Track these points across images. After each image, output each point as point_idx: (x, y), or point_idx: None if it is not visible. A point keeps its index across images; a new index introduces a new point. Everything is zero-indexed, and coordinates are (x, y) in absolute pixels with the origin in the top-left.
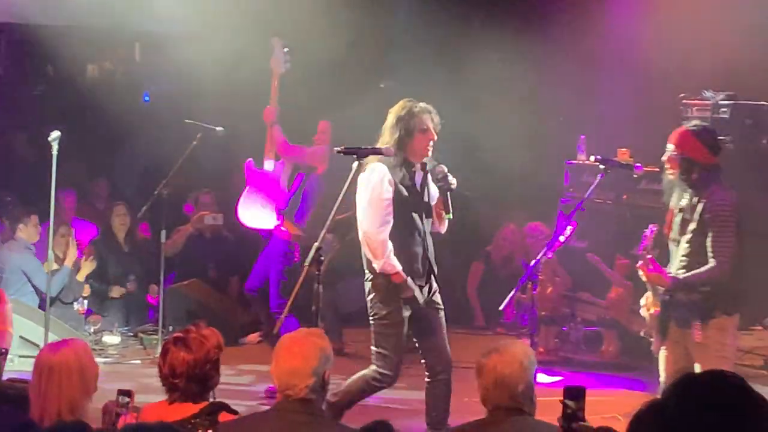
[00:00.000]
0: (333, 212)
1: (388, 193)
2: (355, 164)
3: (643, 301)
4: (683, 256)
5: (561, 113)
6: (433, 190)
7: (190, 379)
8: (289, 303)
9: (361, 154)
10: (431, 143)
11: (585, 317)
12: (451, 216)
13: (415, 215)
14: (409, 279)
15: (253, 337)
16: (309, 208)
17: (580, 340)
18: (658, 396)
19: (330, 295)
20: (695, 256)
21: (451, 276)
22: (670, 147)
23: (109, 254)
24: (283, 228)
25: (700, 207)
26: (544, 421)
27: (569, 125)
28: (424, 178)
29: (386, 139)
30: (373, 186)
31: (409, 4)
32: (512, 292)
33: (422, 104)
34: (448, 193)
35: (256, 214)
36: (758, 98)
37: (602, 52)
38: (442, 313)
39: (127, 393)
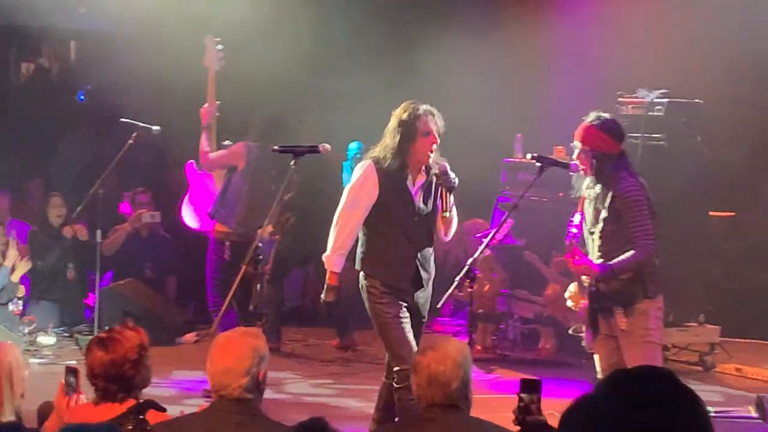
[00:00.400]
0: (272, 210)
1: (365, 193)
2: (292, 162)
3: (567, 293)
4: (599, 245)
5: (499, 111)
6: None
7: (108, 379)
8: (226, 302)
9: (297, 152)
10: (434, 146)
11: (522, 315)
12: (447, 214)
13: (405, 219)
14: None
15: (190, 336)
16: (236, 206)
17: (517, 337)
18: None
19: (275, 290)
20: (610, 245)
21: None
22: (578, 145)
23: (49, 245)
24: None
25: (610, 196)
26: (479, 418)
27: (506, 124)
28: (427, 182)
29: (387, 141)
30: (353, 185)
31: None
32: (450, 290)
33: (425, 106)
34: (446, 190)
35: (198, 216)
36: (693, 96)
37: (540, 50)
38: (422, 326)
39: (74, 372)
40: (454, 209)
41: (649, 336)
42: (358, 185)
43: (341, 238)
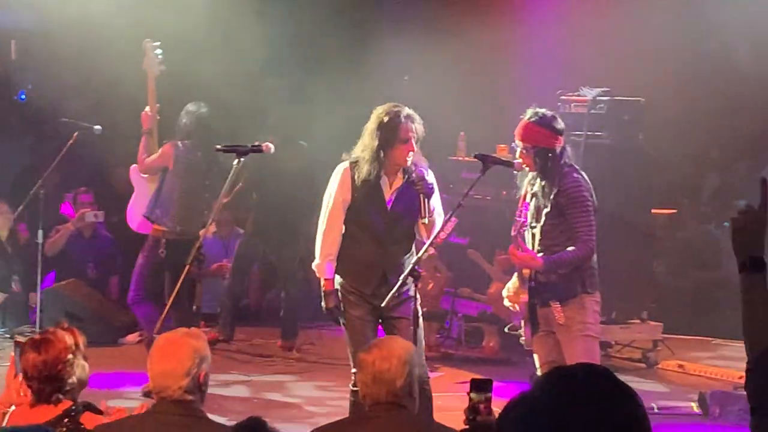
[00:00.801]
0: (214, 211)
1: (339, 196)
2: (235, 161)
3: (505, 292)
4: (540, 240)
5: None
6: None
7: (42, 381)
8: (169, 301)
9: (240, 151)
10: (410, 154)
11: (466, 313)
12: (426, 221)
13: (376, 222)
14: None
15: (133, 337)
16: (171, 206)
17: (461, 336)
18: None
19: (235, 284)
20: (551, 240)
21: None
22: (519, 144)
23: None
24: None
25: (554, 191)
26: (424, 416)
27: (450, 122)
28: (403, 186)
29: (366, 141)
30: (330, 189)
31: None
32: (394, 289)
33: (407, 111)
34: (423, 196)
35: (141, 218)
36: (635, 94)
37: (483, 49)
38: (402, 324)
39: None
40: (437, 214)
41: (587, 330)
42: (334, 189)
43: (327, 244)
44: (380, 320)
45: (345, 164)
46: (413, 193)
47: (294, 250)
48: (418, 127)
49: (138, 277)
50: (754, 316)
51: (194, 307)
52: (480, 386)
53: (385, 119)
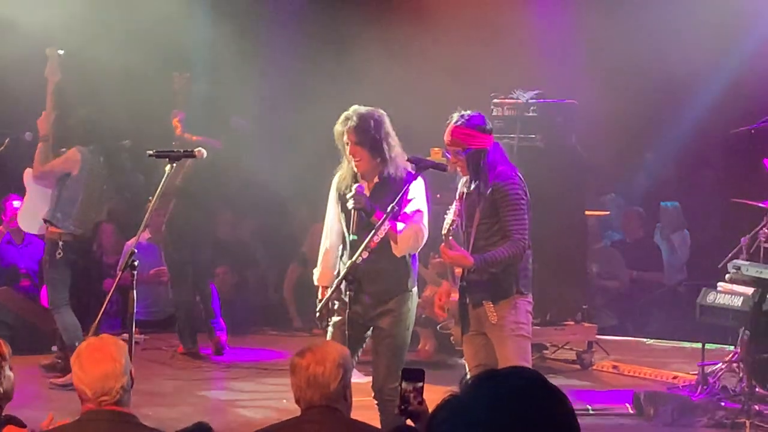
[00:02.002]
0: (146, 216)
1: (330, 205)
2: (168, 167)
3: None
4: (474, 240)
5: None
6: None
7: None
8: (102, 309)
9: (173, 157)
10: (352, 157)
11: None
12: (353, 237)
13: (344, 225)
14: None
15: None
16: (72, 209)
17: None
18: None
19: (182, 293)
20: (486, 240)
21: (267, 277)
22: (450, 148)
23: None
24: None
25: (488, 190)
26: (359, 420)
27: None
28: (373, 191)
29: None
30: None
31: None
32: (328, 294)
33: (347, 114)
34: (354, 211)
35: (35, 220)
36: (568, 97)
37: (414, 53)
38: (368, 333)
39: None
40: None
41: (519, 330)
42: (329, 199)
43: (320, 252)
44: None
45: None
46: (385, 199)
47: (207, 254)
48: (357, 132)
49: (51, 284)
50: None
51: (129, 312)
52: (411, 376)
53: (336, 125)
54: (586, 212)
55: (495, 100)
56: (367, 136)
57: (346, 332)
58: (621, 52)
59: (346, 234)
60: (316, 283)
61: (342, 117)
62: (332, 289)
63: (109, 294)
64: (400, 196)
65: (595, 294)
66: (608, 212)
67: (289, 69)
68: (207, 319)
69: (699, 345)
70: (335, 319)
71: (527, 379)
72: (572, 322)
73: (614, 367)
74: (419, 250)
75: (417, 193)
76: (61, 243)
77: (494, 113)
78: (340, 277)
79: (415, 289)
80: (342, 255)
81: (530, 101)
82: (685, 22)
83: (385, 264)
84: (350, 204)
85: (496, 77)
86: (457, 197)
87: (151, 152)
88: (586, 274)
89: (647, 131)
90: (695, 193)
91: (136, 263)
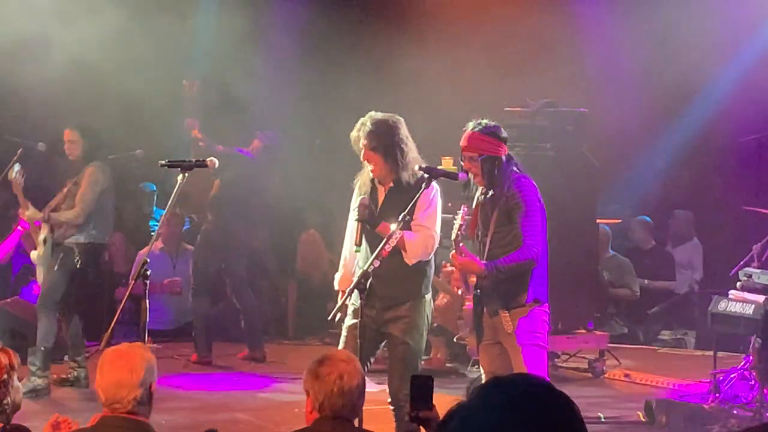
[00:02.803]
0: (159, 225)
1: (353, 206)
2: (180, 176)
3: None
4: (489, 248)
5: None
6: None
7: None
8: (115, 318)
9: (185, 167)
10: (367, 162)
11: None
12: (358, 249)
13: (368, 233)
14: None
15: None
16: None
17: None
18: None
19: (201, 303)
20: (502, 248)
21: (278, 287)
22: (465, 154)
23: None
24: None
25: (502, 198)
26: (367, 429)
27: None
28: (387, 196)
29: None
30: None
31: None
32: (340, 302)
33: (361, 120)
34: (361, 222)
35: None
36: (579, 105)
37: (426, 61)
38: (382, 342)
39: None
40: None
41: (535, 339)
42: (352, 204)
43: (342, 256)
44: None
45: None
46: (399, 204)
47: (241, 263)
48: (370, 137)
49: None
50: None
51: (141, 323)
52: (421, 382)
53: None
54: (598, 220)
55: (506, 109)
56: (381, 141)
57: (358, 339)
58: (631, 59)
59: (369, 236)
60: (336, 287)
61: (358, 123)
62: (345, 295)
63: (122, 303)
64: (411, 204)
65: (607, 303)
66: (619, 220)
67: (296, 75)
68: (251, 330)
69: (711, 353)
70: (349, 322)
71: (534, 385)
72: (584, 331)
73: (626, 375)
74: (431, 256)
75: (429, 200)
76: (78, 251)
77: (505, 122)
78: (352, 285)
79: (429, 295)
80: (355, 259)
81: (541, 110)
82: (694, 29)
83: (397, 269)
84: (354, 216)
85: (508, 86)
86: (473, 206)
87: (163, 162)
88: (598, 283)
89: (658, 139)
90: (707, 201)
91: (148, 273)
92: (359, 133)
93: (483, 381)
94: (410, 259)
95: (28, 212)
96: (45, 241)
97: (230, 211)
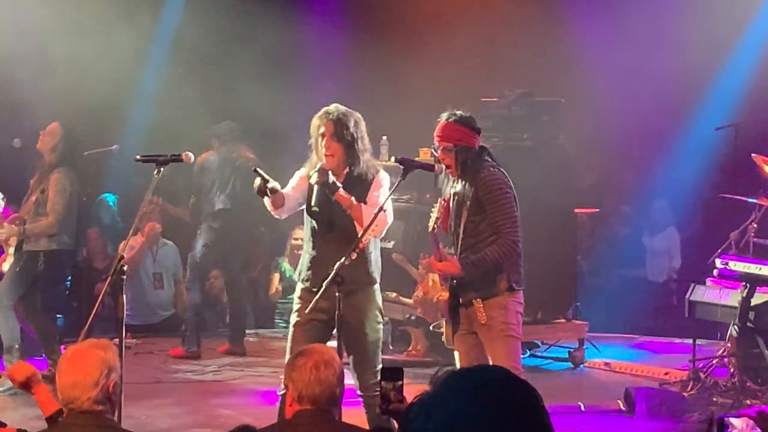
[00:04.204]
0: (137, 220)
1: (295, 176)
2: (155, 171)
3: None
4: (463, 239)
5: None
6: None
7: None
8: (92, 313)
9: (160, 161)
10: (324, 149)
11: (392, 317)
12: (315, 208)
13: (320, 221)
14: (299, 286)
15: None
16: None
17: (388, 339)
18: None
19: (194, 296)
20: (475, 237)
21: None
22: (439, 144)
23: None
24: None
25: (474, 188)
26: (348, 423)
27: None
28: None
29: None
30: None
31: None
32: (317, 295)
33: (331, 108)
34: (319, 186)
35: None
36: (554, 95)
37: (403, 52)
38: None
39: None
40: (364, 206)
41: (509, 330)
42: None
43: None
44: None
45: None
46: (354, 192)
47: (239, 257)
48: (337, 126)
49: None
50: None
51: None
52: (391, 375)
53: (315, 116)
54: (576, 210)
55: (483, 99)
56: (346, 131)
57: (337, 332)
58: (608, 46)
59: (314, 226)
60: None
61: (322, 111)
62: (321, 291)
63: (99, 299)
64: (387, 196)
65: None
66: (597, 210)
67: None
68: (236, 324)
69: (690, 341)
70: (295, 319)
71: (495, 374)
72: (563, 320)
73: (606, 364)
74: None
75: (380, 183)
76: (43, 257)
77: (482, 113)
78: (328, 279)
79: (378, 284)
80: (307, 248)
81: (517, 100)
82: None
83: (354, 256)
84: (313, 179)
85: (485, 78)
86: (444, 198)
87: (138, 157)
88: (577, 272)
89: (636, 127)
90: (683, 190)
91: (125, 268)
92: (321, 121)
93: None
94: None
95: (4, 231)
96: (15, 251)
97: (233, 215)
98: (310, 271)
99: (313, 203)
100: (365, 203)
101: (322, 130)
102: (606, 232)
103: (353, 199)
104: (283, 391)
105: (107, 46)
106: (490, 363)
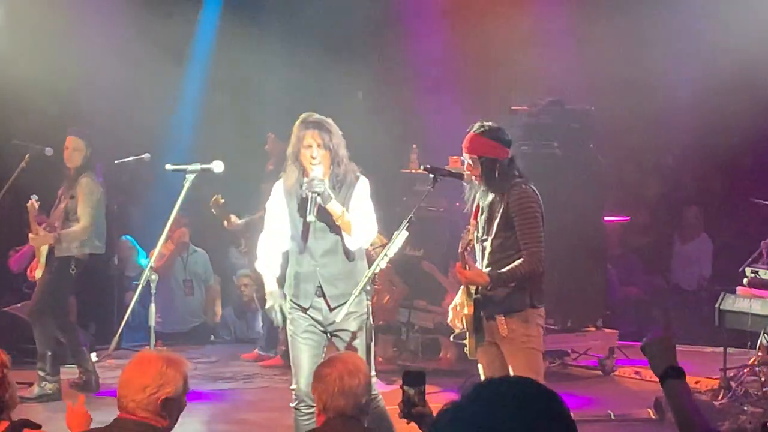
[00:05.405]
0: (167, 229)
1: (271, 204)
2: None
3: (450, 313)
4: (490, 253)
5: (394, 122)
6: (333, 204)
7: None
8: (123, 322)
9: (189, 171)
10: (312, 159)
11: (422, 325)
12: (311, 218)
13: (304, 232)
14: (272, 290)
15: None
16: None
17: (418, 348)
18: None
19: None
20: (502, 252)
21: None
22: (466, 155)
23: None
24: None
25: (503, 204)
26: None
27: (403, 134)
28: (328, 193)
29: (288, 149)
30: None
31: None
32: (348, 303)
33: (315, 117)
34: (313, 195)
35: None
36: (585, 103)
37: (434, 61)
38: (349, 338)
39: None
40: (362, 219)
41: (530, 342)
42: (268, 203)
43: (258, 246)
44: (327, 334)
45: (281, 177)
46: (337, 197)
47: None
48: (324, 135)
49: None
50: (682, 418)
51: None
52: (413, 379)
53: (295, 126)
54: (605, 218)
55: (513, 108)
56: (333, 140)
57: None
58: (637, 55)
59: (301, 239)
60: (267, 288)
61: (307, 121)
62: (351, 301)
63: (129, 307)
64: (417, 205)
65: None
66: (628, 218)
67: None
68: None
69: (721, 349)
70: (293, 327)
71: (524, 385)
72: (593, 328)
73: (636, 372)
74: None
75: (367, 193)
76: (75, 261)
77: (512, 121)
78: (358, 290)
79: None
80: (293, 262)
81: (547, 108)
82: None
83: (341, 267)
84: (307, 187)
85: (514, 86)
86: (474, 210)
87: (169, 167)
88: (607, 281)
89: (665, 135)
90: (714, 196)
91: (154, 276)
92: (308, 131)
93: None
94: (354, 242)
95: (39, 237)
96: (46, 259)
97: None
98: (296, 283)
99: (308, 214)
100: (347, 209)
101: (308, 140)
102: (636, 240)
103: (345, 210)
104: (295, 403)
105: (148, 72)
106: (511, 374)
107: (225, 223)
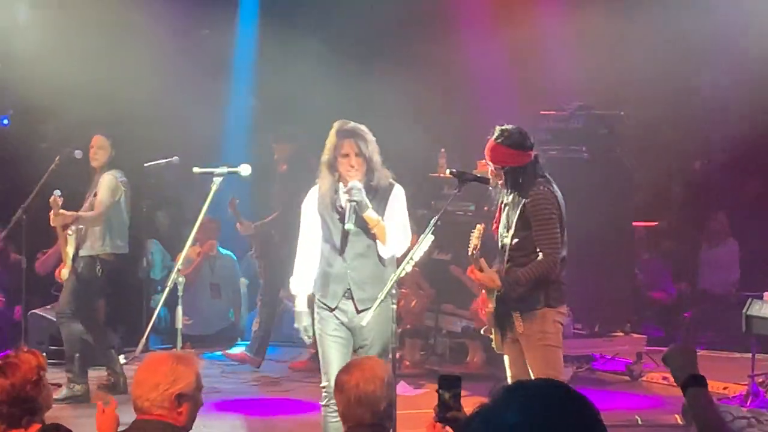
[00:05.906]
0: (194, 232)
1: (306, 214)
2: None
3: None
4: (509, 250)
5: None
6: (368, 211)
7: (11, 404)
8: (149, 325)
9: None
10: (350, 168)
11: (449, 329)
12: (350, 227)
13: (336, 235)
14: (302, 311)
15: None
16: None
17: (445, 352)
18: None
19: (268, 312)
20: (520, 250)
21: None
22: (490, 163)
23: None
24: None
25: (521, 204)
26: None
27: (431, 138)
28: (365, 202)
29: (323, 158)
30: (302, 207)
31: None
32: (372, 307)
33: (351, 126)
34: (352, 204)
35: None
36: (615, 108)
37: (464, 66)
38: (353, 343)
39: None
40: (395, 228)
41: (546, 339)
42: (303, 207)
43: (296, 262)
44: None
45: (318, 181)
46: (372, 204)
47: (278, 272)
48: (360, 143)
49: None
50: (705, 426)
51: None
52: (449, 383)
53: (331, 134)
54: (634, 223)
55: (541, 112)
56: (369, 148)
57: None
58: (667, 61)
59: (337, 242)
60: (295, 294)
61: (343, 129)
62: (377, 304)
63: (156, 310)
64: (443, 209)
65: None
66: (655, 222)
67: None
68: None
69: (749, 355)
70: (322, 327)
71: (554, 387)
72: (621, 333)
73: (664, 378)
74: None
75: (403, 199)
76: (100, 261)
77: (540, 125)
78: (384, 294)
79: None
80: (326, 264)
81: (576, 113)
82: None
83: (372, 270)
84: (347, 196)
85: (542, 90)
86: (497, 209)
87: (197, 170)
88: (635, 286)
89: (694, 140)
90: (742, 201)
91: (181, 279)
92: (345, 140)
93: (508, 378)
94: (387, 251)
95: (59, 216)
96: (72, 260)
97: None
98: (325, 283)
99: (347, 222)
100: (382, 216)
101: (345, 149)
102: (664, 245)
103: (380, 218)
104: (325, 401)
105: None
106: (530, 371)
107: (237, 225)
